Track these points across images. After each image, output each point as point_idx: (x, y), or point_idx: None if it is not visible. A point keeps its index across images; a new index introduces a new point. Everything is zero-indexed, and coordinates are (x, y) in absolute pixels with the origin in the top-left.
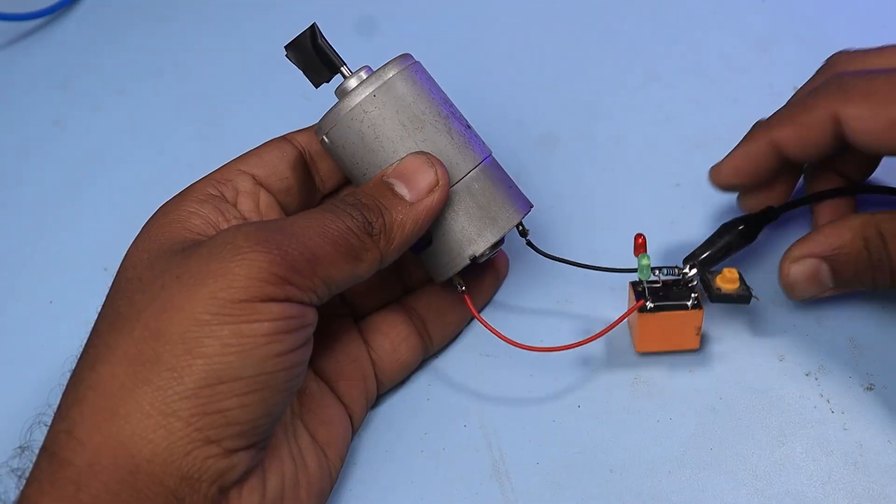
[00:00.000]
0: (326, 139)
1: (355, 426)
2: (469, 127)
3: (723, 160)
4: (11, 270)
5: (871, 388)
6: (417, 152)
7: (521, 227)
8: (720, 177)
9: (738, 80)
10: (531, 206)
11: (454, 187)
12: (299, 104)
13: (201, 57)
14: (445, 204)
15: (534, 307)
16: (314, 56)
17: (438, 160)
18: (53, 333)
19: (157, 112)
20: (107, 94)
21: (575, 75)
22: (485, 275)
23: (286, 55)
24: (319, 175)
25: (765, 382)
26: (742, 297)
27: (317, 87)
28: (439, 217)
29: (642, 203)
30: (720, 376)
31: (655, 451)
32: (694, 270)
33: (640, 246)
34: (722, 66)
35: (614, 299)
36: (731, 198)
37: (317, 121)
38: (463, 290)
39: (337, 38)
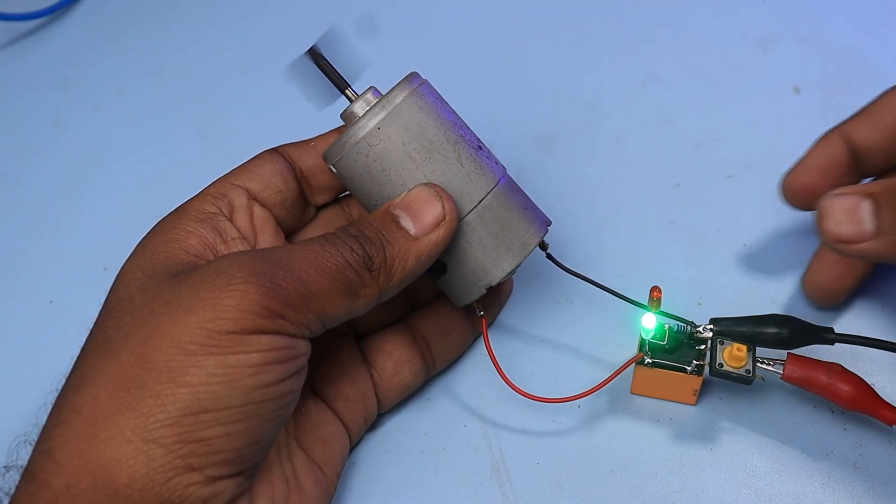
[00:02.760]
0: (334, 169)
1: (352, 442)
2: (481, 147)
3: (794, 165)
4: (11, 270)
5: None
6: (426, 184)
7: (541, 242)
8: (792, 179)
9: (738, 80)
10: (548, 225)
11: (466, 218)
12: (299, 104)
13: (201, 57)
14: (458, 235)
15: (533, 307)
16: (317, 78)
17: (446, 193)
18: (53, 333)
19: (157, 112)
20: (107, 94)
21: (575, 75)
22: (490, 300)
23: (291, 72)
24: (311, 190)
25: (766, 381)
26: (742, 379)
27: (320, 109)
28: (453, 247)
29: (642, 203)
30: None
31: (655, 451)
32: (709, 333)
33: (652, 301)
34: (722, 66)
35: (614, 300)
36: (733, 199)
37: (315, 122)
38: (481, 315)
39: (327, 27)
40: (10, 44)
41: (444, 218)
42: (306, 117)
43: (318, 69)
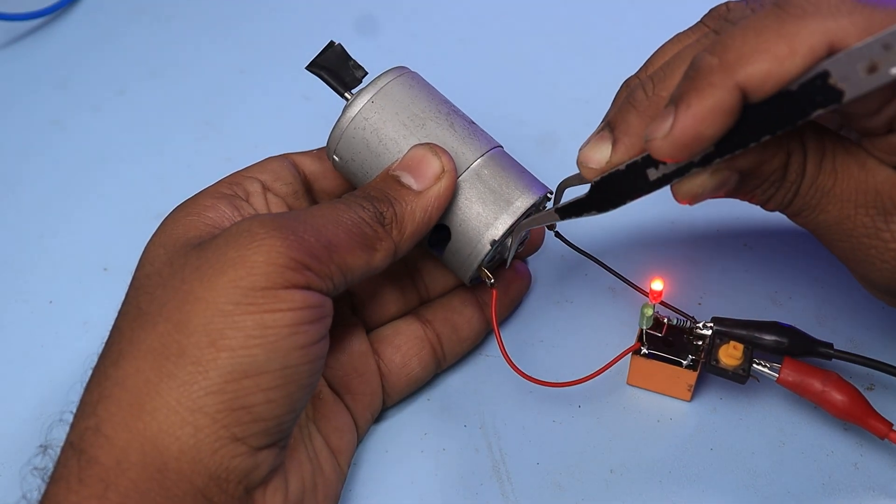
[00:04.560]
0: (337, 158)
1: (359, 436)
2: (473, 123)
3: (657, 125)
4: (11, 270)
5: (871, 389)
6: (420, 144)
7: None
8: (667, 149)
9: None
10: (549, 191)
11: (463, 175)
12: (299, 104)
13: (201, 57)
14: (457, 193)
15: (533, 306)
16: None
17: (442, 149)
18: (53, 333)
19: (157, 112)
20: (107, 94)
21: (575, 75)
22: (507, 286)
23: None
24: (315, 192)
25: (765, 383)
26: (737, 377)
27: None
28: (454, 207)
29: (642, 203)
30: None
31: (655, 451)
32: (708, 331)
33: (653, 295)
34: None
35: (614, 300)
36: (729, 201)
37: (314, 123)
38: (492, 285)
39: (337, 38)
40: (10, 44)
41: (443, 170)
42: (305, 117)
43: (320, 79)
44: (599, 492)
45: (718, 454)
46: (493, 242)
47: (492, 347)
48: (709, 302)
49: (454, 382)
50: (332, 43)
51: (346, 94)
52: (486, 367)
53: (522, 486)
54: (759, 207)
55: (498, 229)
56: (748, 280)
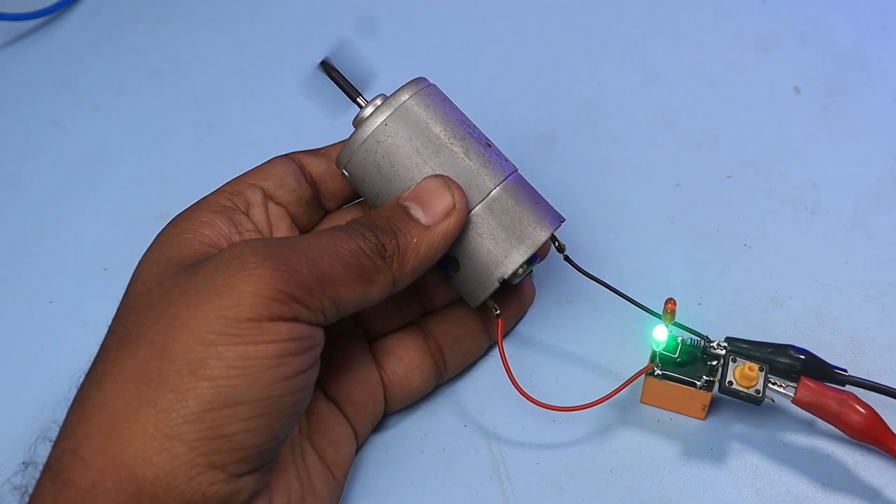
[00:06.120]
0: (346, 172)
1: (358, 445)
2: (489, 145)
3: None
4: (11, 270)
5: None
6: (434, 175)
7: (557, 243)
8: None
9: (738, 80)
10: (561, 221)
11: (475, 210)
12: (300, 104)
13: (201, 57)
14: (468, 227)
15: (532, 306)
16: (329, 89)
17: (455, 183)
18: (53, 333)
19: (157, 112)
20: (107, 93)
21: (575, 75)
22: (509, 302)
23: (305, 84)
24: (321, 194)
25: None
26: (751, 398)
27: (334, 119)
28: (464, 241)
29: (642, 203)
30: None
31: (656, 451)
32: (722, 350)
33: (667, 313)
34: (722, 66)
35: (615, 301)
36: (733, 199)
37: (315, 123)
38: (497, 315)
39: (336, 38)
40: (10, 44)
41: (454, 206)
42: (306, 117)
43: (331, 80)
44: (599, 492)
45: (719, 454)
46: (502, 280)
47: (491, 348)
48: (708, 302)
49: (454, 382)
50: (322, 61)
51: (359, 100)
52: (487, 368)
53: (522, 486)
54: (757, 208)
55: (508, 268)
56: (748, 280)
